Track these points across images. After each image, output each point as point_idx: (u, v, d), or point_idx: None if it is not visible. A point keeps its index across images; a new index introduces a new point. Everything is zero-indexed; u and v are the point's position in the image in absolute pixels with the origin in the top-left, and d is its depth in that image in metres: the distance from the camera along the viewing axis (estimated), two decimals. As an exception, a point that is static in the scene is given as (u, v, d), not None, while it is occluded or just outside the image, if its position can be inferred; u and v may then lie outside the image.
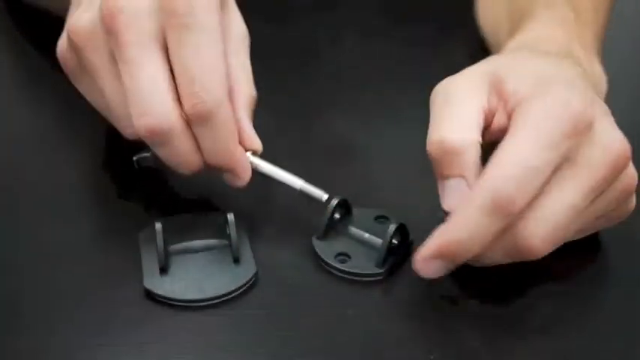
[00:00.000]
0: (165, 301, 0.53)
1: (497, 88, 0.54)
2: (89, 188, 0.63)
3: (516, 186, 0.49)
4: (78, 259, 0.57)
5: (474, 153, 0.52)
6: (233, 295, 0.54)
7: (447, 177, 0.53)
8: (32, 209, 0.61)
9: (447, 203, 0.53)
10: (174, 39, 0.54)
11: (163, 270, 0.54)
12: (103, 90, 0.56)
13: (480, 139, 0.53)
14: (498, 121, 0.54)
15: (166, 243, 0.55)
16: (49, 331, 0.52)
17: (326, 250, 0.57)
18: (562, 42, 0.64)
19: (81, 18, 0.56)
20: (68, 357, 0.51)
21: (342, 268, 0.56)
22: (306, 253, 0.57)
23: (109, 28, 0.54)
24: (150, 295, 0.53)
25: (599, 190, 0.52)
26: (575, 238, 0.55)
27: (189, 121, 0.54)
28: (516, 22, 0.70)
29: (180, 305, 0.53)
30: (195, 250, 0.56)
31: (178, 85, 0.54)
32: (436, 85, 0.56)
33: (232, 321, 0.53)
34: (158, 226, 0.54)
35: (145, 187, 0.63)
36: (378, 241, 0.56)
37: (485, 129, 0.54)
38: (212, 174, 0.57)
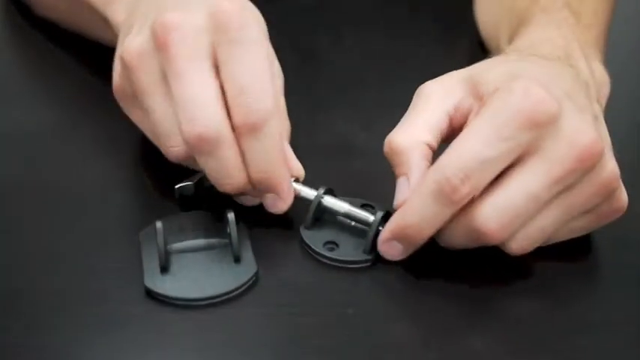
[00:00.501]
0: (165, 300, 0.53)
1: (473, 91, 0.56)
2: (90, 187, 0.63)
3: (461, 176, 0.51)
4: (78, 258, 0.57)
5: (415, 154, 0.55)
6: (234, 294, 0.54)
7: (396, 176, 0.56)
8: (32, 209, 0.61)
9: (394, 200, 0.55)
10: (226, 53, 0.55)
11: (164, 269, 0.54)
12: (152, 109, 0.57)
13: (431, 140, 0.55)
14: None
15: (167, 242, 0.55)
16: (49, 330, 0.52)
17: (314, 239, 0.58)
18: (558, 44, 0.64)
19: (133, 41, 0.57)
20: (68, 356, 0.51)
21: (331, 256, 0.57)
22: (307, 252, 0.58)
23: (160, 43, 0.55)
24: (150, 294, 0.53)
25: (564, 183, 0.53)
26: (565, 238, 0.56)
27: (238, 134, 0.55)
28: (515, 28, 0.70)
29: (180, 304, 0.53)
30: (196, 249, 0.56)
31: (229, 98, 0.55)
32: None
33: (233, 319, 0.53)
34: (159, 225, 0.54)
35: (146, 186, 0.63)
36: (365, 228, 0.57)
37: (458, 129, 0.55)
38: (251, 200, 0.58)
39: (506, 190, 0.52)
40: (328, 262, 0.57)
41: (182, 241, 0.56)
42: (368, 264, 0.57)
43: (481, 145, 0.51)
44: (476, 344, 0.52)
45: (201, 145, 0.54)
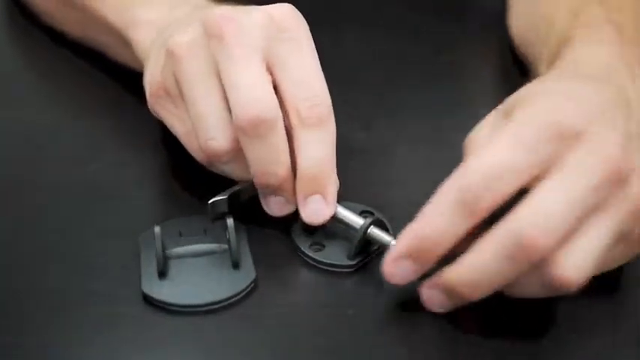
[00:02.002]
0: (162, 305, 0.53)
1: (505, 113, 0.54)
2: (90, 190, 0.63)
3: (484, 183, 0.49)
4: (78, 259, 0.57)
5: None
6: (231, 300, 0.54)
7: None
8: (31, 211, 0.61)
9: None
10: (286, 50, 0.55)
11: (162, 274, 0.54)
12: (196, 100, 0.56)
13: None
14: None
15: (165, 247, 0.55)
16: (49, 330, 0.52)
17: (303, 238, 0.58)
18: (601, 63, 0.61)
19: (183, 35, 0.57)
20: (68, 356, 0.51)
21: (315, 257, 0.57)
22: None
23: (216, 33, 0.55)
24: (148, 300, 0.53)
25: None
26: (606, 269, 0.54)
27: (302, 126, 0.55)
28: (554, 50, 0.67)
29: (177, 310, 0.53)
30: (195, 255, 0.56)
31: (292, 91, 0.55)
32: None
33: (232, 320, 0.53)
34: (157, 229, 0.54)
35: (146, 191, 0.63)
36: (354, 234, 0.57)
37: None
38: (281, 207, 0.58)
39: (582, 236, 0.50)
40: (312, 262, 0.57)
41: (181, 246, 0.56)
42: (350, 269, 0.56)
43: (500, 154, 0.50)
44: (477, 344, 0.52)
45: (257, 127, 0.54)
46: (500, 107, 0.56)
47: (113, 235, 0.59)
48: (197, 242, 0.56)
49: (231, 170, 0.58)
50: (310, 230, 0.58)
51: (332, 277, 0.56)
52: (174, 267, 0.55)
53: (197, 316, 0.53)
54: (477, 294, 0.51)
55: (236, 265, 0.55)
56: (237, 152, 0.56)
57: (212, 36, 0.55)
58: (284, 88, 0.55)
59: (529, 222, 0.48)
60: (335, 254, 0.57)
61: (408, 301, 0.55)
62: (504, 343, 0.52)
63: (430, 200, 0.51)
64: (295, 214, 0.58)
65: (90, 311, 0.53)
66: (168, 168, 0.63)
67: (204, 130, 0.56)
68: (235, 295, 0.54)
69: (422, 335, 0.53)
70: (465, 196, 0.49)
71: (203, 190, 0.59)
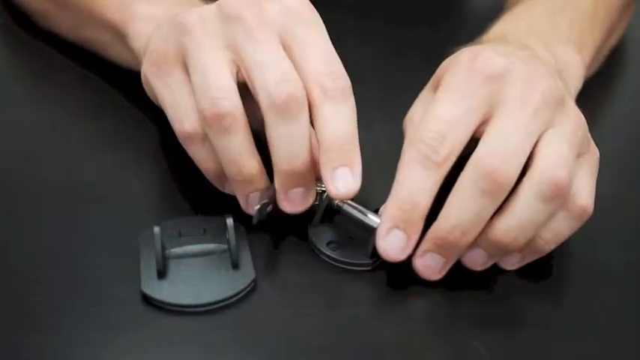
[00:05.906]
0: (162, 305, 0.53)
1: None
2: (90, 190, 0.63)
3: (438, 137, 0.53)
4: (78, 261, 0.57)
5: None
6: (230, 301, 0.54)
7: None
8: (31, 211, 0.61)
9: None
10: (304, 32, 0.57)
11: (161, 274, 0.54)
12: (204, 68, 0.56)
13: None
14: None
15: (165, 247, 0.55)
16: (49, 330, 0.52)
17: (319, 237, 0.58)
18: (520, 33, 0.67)
19: (194, 12, 0.58)
20: (68, 356, 0.51)
21: (332, 256, 0.57)
22: (307, 253, 0.58)
23: (235, 14, 0.56)
24: (147, 299, 0.53)
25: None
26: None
27: (327, 98, 0.55)
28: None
29: (176, 310, 0.53)
30: (194, 255, 0.56)
31: (312, 68, 0.56)
32: None
33: (232, 321, 0.53)
34: (156, 229, 0.54)
35: (146, 191, 0.63)
36: (370, 233, 0.56)
37: None
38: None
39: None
40: (329, 261, 0.57)
41: (181, 246, 0.56)
42: (368, 268, 0.57)
43: (447, 108, 0.54)
44: (476, 344, 0.52)
45: (290, 106, 0.54)
46: (428, 84, 0.60)
47: (113, 235, 0.59)
48: (196, 242, 0.56)
49: (229, 142, 0.56)
50: (325, 232, 0.58)
51: (332, 277, 0.56)
52: (173, 267, 0.55)
53: (197, 316, 0.53)
54: (468, 236, 0.53)
55: (236, 265, 0.55)
56: (242, 121, 0.56)
57: (231, 17, 0.56)
58: (305, 65, 0.56)
59: (488, 154, 0.52)
60: (352, 253, 0.57)
61: (408, 301, 0.55)
62: (505, 344, 0.53)
63: (397, 169, 0.54)
64: (304, 215, 0.58)
65: (90, 311, 0.53)
66: (168, 168, 0.64)
67: (212, 90, 0.55)
68: (235, 295, 0.54)
69: (423, 335, 0.54)
70: (424, 152, 0.53)
71: (203, 190, 0.60)
